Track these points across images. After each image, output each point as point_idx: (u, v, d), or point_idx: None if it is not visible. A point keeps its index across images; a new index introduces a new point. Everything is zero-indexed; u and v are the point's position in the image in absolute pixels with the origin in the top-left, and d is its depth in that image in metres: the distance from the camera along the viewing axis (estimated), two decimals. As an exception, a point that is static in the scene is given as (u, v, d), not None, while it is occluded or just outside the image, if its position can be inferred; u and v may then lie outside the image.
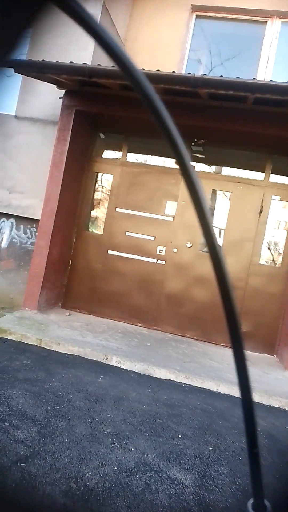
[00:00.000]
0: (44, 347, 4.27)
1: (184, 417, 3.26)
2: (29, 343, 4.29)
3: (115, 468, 2.35)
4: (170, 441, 2.83)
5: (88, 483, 2.14)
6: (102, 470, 2.29)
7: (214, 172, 5.75)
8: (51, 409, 2.90)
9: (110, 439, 2.67)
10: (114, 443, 2.63)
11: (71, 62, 4.40)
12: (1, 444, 2.26)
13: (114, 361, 4.17)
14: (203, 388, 3.97)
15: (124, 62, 0.35)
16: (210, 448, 2.89)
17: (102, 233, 5.87)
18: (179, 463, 2.58)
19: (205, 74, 4.27)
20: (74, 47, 5.54)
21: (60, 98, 5.30)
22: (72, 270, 5.90)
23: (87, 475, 2.21)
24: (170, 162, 5.91)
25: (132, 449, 2.61)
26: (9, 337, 4.33)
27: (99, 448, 2.52)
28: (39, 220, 5.35)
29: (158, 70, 4.35)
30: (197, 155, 5.67)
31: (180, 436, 2.94)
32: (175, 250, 5.57)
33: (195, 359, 4.65)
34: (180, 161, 0.37)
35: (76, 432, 2.66)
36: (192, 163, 5.65)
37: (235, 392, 3.96)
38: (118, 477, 2.28)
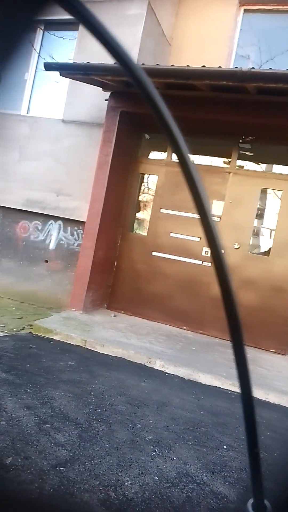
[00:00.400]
0: (88, 348, 4.29)
1: (229, 426, 3.11)
2: (73, 344, 4.33)
3: (156, 477, 2.27)
4: (214, 452, 2.70)
5: (127, 492, 2.07)
6: (142, 479, 2.22)
7: (263, 171, 5.50)
8: (92, 412, 2.88)
9: (152, 447, 2.59)
10: (155, 451, 2.55)
11: (115, 63, 4.38)
12: (42, 446, 2.26)
13: (157, 365, 4.09)
14: (250, 396, 3.78)
15: (123, 57, 0.35)
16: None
17: (146, 234, 5.83)
18: (223, 476, 2.45)
19: (252, 68, 4.09)
20: (120, 49, 5.55)
21: (106, 100, 5.32)
22: (117, 271, 5.91)
23: (126, 483, 2.15)
24: (216, 161, 5.75)
25: (174, 458, 2.52)
26: (55, 337, 4.40)
27: (140, 456, 2.45)
28: (85, 222, 5.41)
29: (203, 66, 4.23)
30: (245, 152, 5.46)
31: (225, 447, 2.80)
32: (221, 251, 5.39)
33: (242, 365, 4.45)
34: (180, 155, 0.37)
35: (117, 437, 2.61)
36: (240, 161, 5.46)
37: (286, 401, 3.74)
38: (158, 487, 2.19)
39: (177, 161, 0.37)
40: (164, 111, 0.37)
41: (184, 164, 0.37)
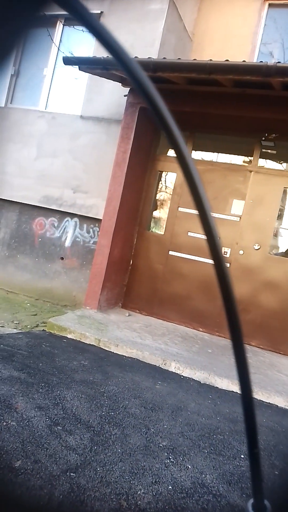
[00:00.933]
0: (102, 347, 4.21)
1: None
2: (87, 343, 4.25)
3: (170, 487, 2.16)
4: (232, 461, 2.58)
5: (139, 502, 1.97)
6: (155, 488, 2.12)
7: (286, 170, 5.32)
8: (105, 414, 2.79)
9: (166, 454, 2.49)
10: (169, 459, 2.44)
11: (135, 57, 4.29)
12: (52, 450, 2.18)
13: (173, 367, 3.98)
14: (269, 403, 3.64)
15: (118, 51, 0.35)
16: (276, 472, 2.60)
17: (163, 233, 5.71)
18: (240, 487, 2.33)
19: (279, 62, 3.93)
20: (141, 44, 5.46)
21: (125, 96, 5.23)
22: (133, 270, 5.82)
23: (139, 492, 2.05)
24: (237, 159, 5.60)
25: (189, 467, 2.41)
26: (69, 336, 4.33)
27: (154, 463, 2.35)
28: (101, 219, 5.33)
29: (227, 60, 4.09)
30: (268, 151, 5.29)
31: (242, 456, 2.68)
32: (241, 252, 5.24)
33: (261, 370, 4.31)
34: (178, 152, 0.37)
35: (130, 442, 2.51)
36: (262, 160, 5.29)
37: (306, 410, 3.59)
38: (172, 497, 2.09)
39: (175, 156, 0.37)
40: (160, 104, 0.37)
41: (182, 159, 0.37)
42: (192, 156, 5.68)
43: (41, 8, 0.35)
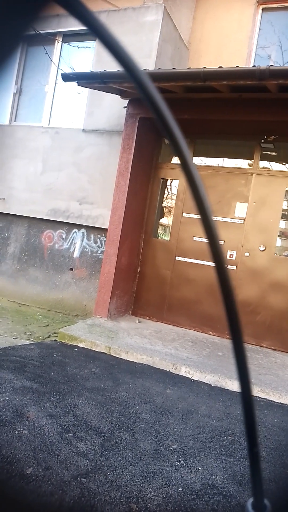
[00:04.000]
0: (113, 355, 4.27)
1: (259, 435, 3.00)
2: (98, 351, 4.32)
3: (180, 489, 2.20)
4: (242, 462, 2.60)
5: (149, 505, 2.02)
6: (165, 491, 2.15)
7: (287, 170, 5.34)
8: (116, 420, 2.84)
9: (176, 456, 2.52)
10: (180, 461, 2.48)
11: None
12: (63, 456, 2.24)
13: (183, 371, 4.01)
14: (281, 403, 3.64)
15: (125, 59, 0.36)
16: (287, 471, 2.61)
17: (169, 239, 5.78)
18: (251, 488, 2.35)
19: (271, 65, 3.99)
20: (138, 55, 5.57)
21: (124, 107, 5.34)
22: (141, 277, 5.88)
23: (149, 495, 2.09)
24: (238, 163, 5.65)
25: (199, 468, 2.44)
26: (80, 345, 4.41)
27: (164, 466, 2.39)
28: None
29: (220, 67, 4.17)
30: (268, 152, 5.32)
31: (253, 457, 2.69)
32: (246, 254, 5.27)
33: (272, 371, 4.31)
34: (181, 158, 0.38)
35: (140, 446, 2.56)
36: (263, 162, 5.33)
37: None
38: (182, 499, 2.12)
39: (179, 163, 0.38)
40: (166, 113, 0.38)
41: (185, 165, 0.38)
42: (194, 162, 5.74)
43: (42, 9, 0.35)
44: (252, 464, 0.51)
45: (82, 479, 2.08)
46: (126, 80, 4.49)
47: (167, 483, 2.23)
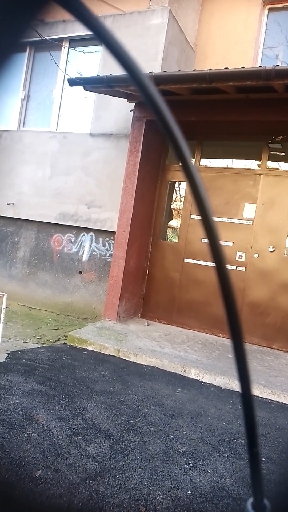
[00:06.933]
0: (122, 357, 4.27)
1: (269, 437, 2.97)
2: (107, 354, 4.33)
3: (189, 492, 2.19)
4: (252, 465, 2.57)
5: (158, 507, 2.01)
6: (174, 493, 2.14)
7: (296, 169, 5.30)
8: (125, 423, 2.84)
9: (185, 459, 2.51)
10: (189, 464, 2.47)
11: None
12: (72, 459, 2.24)
13: (192, 374, 4.00)
14: (292, 406, 3.60)
15: (126, 60, 0.36)
16: (300, 475, 2.57)
17: (177, 241, 5.77)
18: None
19: (277, 65, 3.97)
20: (144, 58, 5.59)
21: (131, 111, 5.36)
22: (150, 279, 5.88)
23: (157, 498, 2.08)
24: (246, 164, 5.62)
25: (209, 471, 2.42)
26: (89, 348, 4.42)
27: (173, 469, 2.38)
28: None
29: (226, 68, 4.16)
30: (276, 152, 5.29)
31: (263, 459, 2.67)
32: (256, 255, 5.23)
33: (283, 373, 4.27)
34: (183, 160, 0.39)
35: (149, 449, 2.55)
36: (271, 162, 5.30)
37: None
38: (191, 502, 2.11)
39: (180, 165, 0.39)
40: (167, 115, 0.38)
41: (186, 168, 0.38)
42: (202, 164, 5.74)
43: (43, 11, 0.35)
44: (252, 464, 0.51)
45: (90, 481, 2.09)
46: (131, 84, 4.52)
47: (176, 485, 2.22)
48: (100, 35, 0.36)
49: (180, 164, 0.38)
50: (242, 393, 0.46)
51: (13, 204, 6.60)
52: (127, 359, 4.25)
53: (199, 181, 0.39)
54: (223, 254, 0.41)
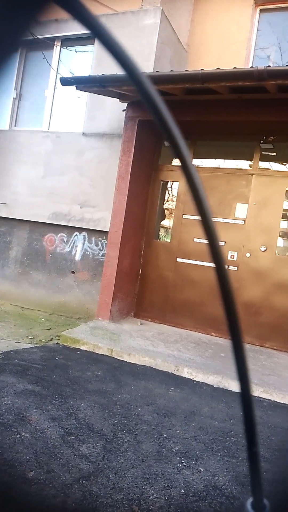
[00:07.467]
0: (115, 357, 4.27)
1: (262, 436, 2.99)
2: (100, 353, 4.32)
3: (182, 491, 2.20)
4: (245, 463, 2.59)
5: (151, 507, 2.01)
6: (167, 493, 2.15)
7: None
8: (118, 422, 2.84)
9: (178, 458, 2.52)
10: (182, 463, 2.48)
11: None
12: (65, 459, 2.24)
13: (185, 373, 4.01)
14: (284, 404, 3.63)
15: (124, 60, 0.36)
16: (292, 473, 2.59)
17: (170, 241, 5.78)
18: (250, 487, 2.34)
19: (269, 66, 3.99)
20: (138, 59, 5.57)
21: (123, 110, 5.36)
22: (143, 279, 5.89)
23: (151, 497, 2.09)
24: (239, 164, 5.65)
25: (202, 470, 2.43)
26: (82, 347, 4.41)
27: (166, 468, 2.39)
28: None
29: (218, 68, 4.18)
30: (268, 153, 5.32)
31: (256, 458, 2.68)
32: (247, 255, 5.26)
33: (275, 371, 4.30)
34: (182, 160, 0.39)
35: (143, 448, 2.56)
36: (262, 162, 5.33)
37: None
38: (184, 501, 2.12)
39: (180, 165, 0.38)
40: (166, 114, 0.38)
41: (186, 167, 0.39)
42: (195, 164, 5.75)
43: (41, 11, 0.35)
44: (251, 463, 0.51)
45: (84, 482, 2.08)
46: (125, 84, 4.52)
47: (169, 485, 2.23)
48: (100, 35, 0.36)
49: (180, 164, 0.38)
50: (241, 393, 0.46)
51: (5, 204, 6.56)
52: (120, 358, 4.25)
53: (198, 181, 0.39)
54: (222, 254, 0.41)
